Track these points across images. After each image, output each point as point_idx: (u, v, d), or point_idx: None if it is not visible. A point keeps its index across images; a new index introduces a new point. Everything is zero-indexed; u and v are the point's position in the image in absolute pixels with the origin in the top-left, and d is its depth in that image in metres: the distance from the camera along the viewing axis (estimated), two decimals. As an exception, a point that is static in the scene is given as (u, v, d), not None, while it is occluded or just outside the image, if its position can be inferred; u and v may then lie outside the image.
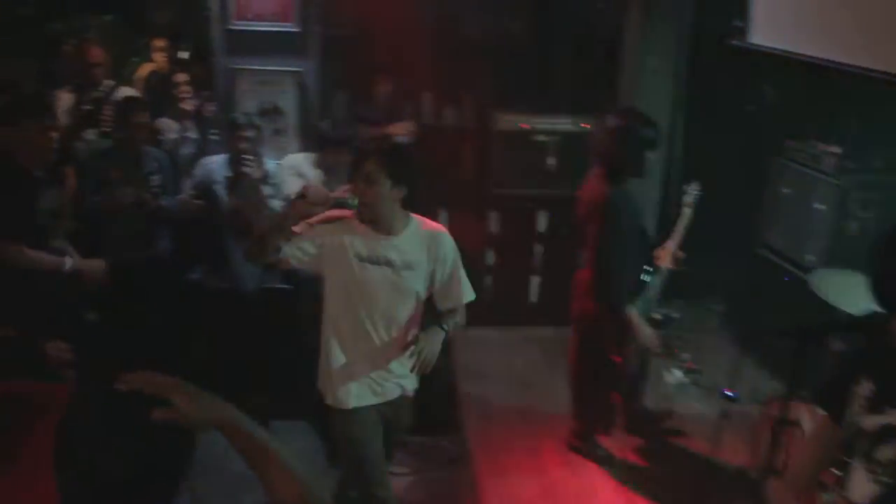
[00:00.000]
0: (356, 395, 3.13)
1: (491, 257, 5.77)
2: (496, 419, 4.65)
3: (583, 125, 5.50)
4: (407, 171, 3.02)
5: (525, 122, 5.69)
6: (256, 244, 3.06)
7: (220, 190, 4.84)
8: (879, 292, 1.90)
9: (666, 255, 4.03)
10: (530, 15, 6.32)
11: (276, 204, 4.76)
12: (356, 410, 3.13)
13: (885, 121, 4.62)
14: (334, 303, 3.11)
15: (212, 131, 5.32)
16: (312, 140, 5.15)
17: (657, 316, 5.41)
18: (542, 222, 5.70)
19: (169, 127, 5.39)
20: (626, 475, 4.17)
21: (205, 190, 4.86)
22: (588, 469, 4.22)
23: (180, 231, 4.87)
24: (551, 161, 5.62)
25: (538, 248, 5.75)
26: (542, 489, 4.05)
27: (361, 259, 3.01)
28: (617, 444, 4.40)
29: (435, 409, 4.66)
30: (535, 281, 5.77)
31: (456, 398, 4.82)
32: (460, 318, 3.25)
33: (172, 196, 4.83)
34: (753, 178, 5.43)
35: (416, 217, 3.14)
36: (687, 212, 4.15)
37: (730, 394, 4.81)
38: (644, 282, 3.94)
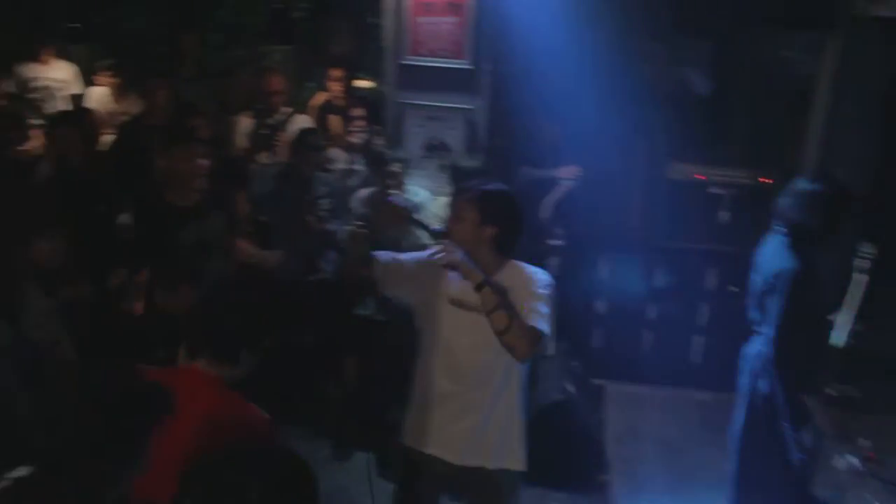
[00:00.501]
0: (425, 440, 2.99)
1: (653, 311, 5.48)
2: (643, 485, 4.36)
3: (761, 179, 5.15)
4: (501, 211, 2.88)
5: (700, 173, 5.41)
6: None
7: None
8: None
9: (838, 330, 3.64)
10: (711, 61, 6.04)
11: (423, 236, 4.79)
12: (420, 456, 3.01)
13: None
14: (423, 340, 3.02)
15: (377, 166, 5.38)
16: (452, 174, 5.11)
17: (833, 392, 4.99)
18: (710, 279, 5.36)
19: (338, 158, 5.52)
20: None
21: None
22: (742, 555, 3.86)
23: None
24: (724, 215, 5.30)
25: (704, 306, 5.41)
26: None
27: (452, 301, 2.89)
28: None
29: (579, 465, 4.47)
30: (699, 340, 5.42)
31: (603, 457, 4.57)
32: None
33: (340, 221, 4.94)
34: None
35: (515, 262, 2.96)
36: (860, 278, 3.71)
37: (913, 490, 4.31)
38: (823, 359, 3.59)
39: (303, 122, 5.56)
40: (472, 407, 2.92)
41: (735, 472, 3.88)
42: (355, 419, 4.64)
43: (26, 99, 6.02)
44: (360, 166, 5.40)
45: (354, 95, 6.03)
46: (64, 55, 6.47)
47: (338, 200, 5.17)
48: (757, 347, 3.62)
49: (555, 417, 4.38)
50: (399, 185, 4.91)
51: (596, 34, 5.61)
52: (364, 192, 5.05)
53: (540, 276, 2.95)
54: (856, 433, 4.76)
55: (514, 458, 3.01)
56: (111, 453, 1.82)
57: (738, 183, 5.30)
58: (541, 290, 2.90)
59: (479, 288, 2.71)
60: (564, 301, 5.21)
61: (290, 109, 5.61)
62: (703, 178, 5.44)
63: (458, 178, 4.88)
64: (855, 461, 4.58)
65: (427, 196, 5.10)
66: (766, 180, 5.16)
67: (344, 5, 6.54)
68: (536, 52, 5.28)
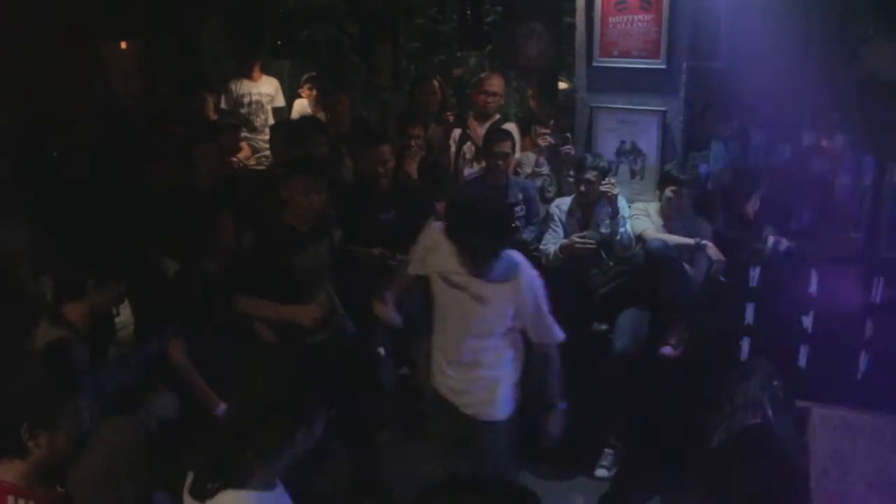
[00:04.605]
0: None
1: (869, 329, 4.94)
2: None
3: None
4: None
5: (930, 174, 4.82)
6: None
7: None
8: None
9: None
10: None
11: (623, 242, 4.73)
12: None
13: None
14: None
15: (569, 172, 5.25)
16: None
17: None
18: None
19: (527, 161, 5.45)
20: None
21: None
22: None
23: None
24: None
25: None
26: None
27: (442, 277, 3.43)
28: None
29: (778, 497, 4.11)
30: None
31: (806, 489, 4.16)
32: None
33: (533, 227, 4.90)
34: None
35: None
36: None
37: None
38: None
39: (512, 128, 5.56)
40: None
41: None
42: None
43: (239, 114, 6.43)
44: (545, 170, 5.30)
45: (547, 101, 5.93)
46: (269, 70, 6.85)
47: (532, 206, 5.13)
48: None
49: (751, 443, 4.05)
50: (594, 195, 4.78)
51: (809, 24, 5.16)
52: (563, 200, 4.95)
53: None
54: None
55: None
56: None
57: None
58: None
59: None
60: (769, 315, 4.86)
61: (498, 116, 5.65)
62: (934, 179, 4.85)
63: (666, 183, 4.73)
64: None
65: (623, 203, 4.90)
66: None
67: (540, 7, 6.41)
68: (738, 47, 4.93)
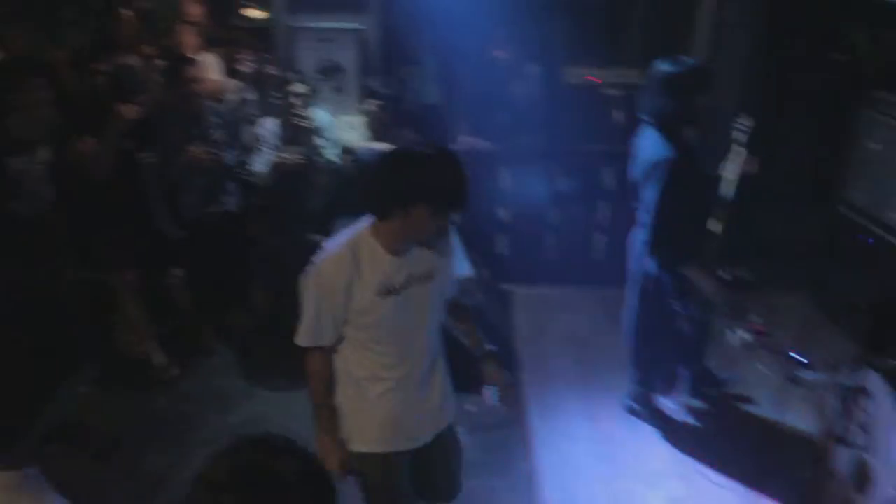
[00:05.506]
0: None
1: (555, 215, 5.61)
2: (553, 380, 4.54)
3: (587, 77, 5.50)
4: None
5: (593, 76, 5.51)
6: None
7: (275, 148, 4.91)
8: None
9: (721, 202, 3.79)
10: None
11: (332, 154, 4.87)
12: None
13: None
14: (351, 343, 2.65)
15: (273, 93, 5.31)
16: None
17: (726, 276, 5.23)
18: (609, 178, 5.50)
19: (229, 88, 5.42)
20: (684, 439, 4.01)
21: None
22: (645, 433, 4.08)
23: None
24: (619, 115, 5.43)
25: (603, 206, 5.58)
26: (597, 451, 3.93)
27: (379, 293, 2.44)
28: (676, 406, 4.25)
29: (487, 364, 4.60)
30: (600, 239, 5.59)
31: (513, 358, 4.72)
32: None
33: (233, 151, 4.90)
34: (836, 131, 5.12)
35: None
36: (739, 150, 3.75)
37: (799, 358, 4.60)
38: (707, 236, 3.75)
39: (209, 58, 5.43)
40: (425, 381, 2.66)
41: (633, 351, 4.08)
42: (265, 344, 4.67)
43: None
44: (251, 95, 5.33)
45: (239, 25, 5.88)
46: None
47: (231, 131, 5.10)
48: (640, 234, 3.76)
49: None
50: (305, 106, 4.91)
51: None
52: (269, 120, 5.01)
53: None
54: (747, 311, 5.06)
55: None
56: None
57: (631, 84, 5.40)
58: None
59: None
60: (469, 212, 5.33)
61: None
62: (598, 80, 5.54)
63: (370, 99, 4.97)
64: (747, 336, 4.87)
65: (328, 118, 5.10)
66: (594, 79, 5.46)
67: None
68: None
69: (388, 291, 2.42)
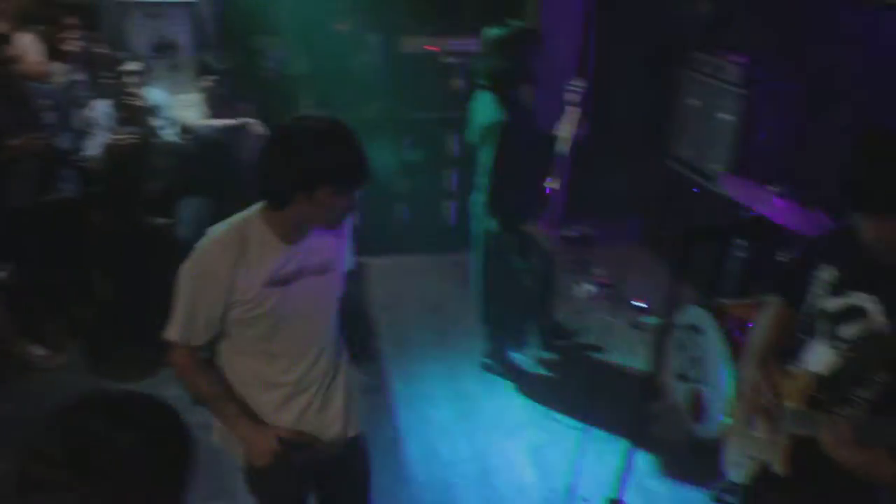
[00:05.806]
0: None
1: (404, 184, 5.68)
2: (412, 346, 4.63)
3: (427, 47, 5.56)
4: None
5: (431, 45, 5.58)
6: None
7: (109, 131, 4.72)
8: (855, 193, 1.88)
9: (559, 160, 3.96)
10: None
11: (169, 134, 4.75)
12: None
13: (788, 28, 4.57)
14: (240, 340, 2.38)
15: (104, 73, 5.08)
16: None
17: (570, 233, 5.47)
18: (453, 145, 5.61)
19: (58, 70, 5.15)
20: (539, 390, 4.20)
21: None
22: (502, 387, 4.24)
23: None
24: (459, 83, 5.53)
25: (450, 172, 5.69)
26: (458, 411, 4.06)
27: (269, 283, 2.21)
28: (529, 359, 4.44)
29: (352, 340, 4.63)
30: (449, 205, 5.71)
31: (371, 328, 4.78)
32: None
33: (68, 135, 4.68)
34: (663, 89, 5.41)
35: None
36: (573, 111, 3.89)
37: (640, 304, 4.89)
38: (547, 194, 3.91)
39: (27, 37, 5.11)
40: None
41: (483, 310, 4.22)
42: (111, 335, 4.51)
43: None
44: (81, 76, 5.09)
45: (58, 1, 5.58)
46: None
47: (62, 114, 4.86)
48: (480, 196, 3.88)
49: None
50: (139, 85, 4.73)
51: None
52: (101, 102, 4.80)
53: None
54: (591, 264, 5.32)
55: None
56: None
57: (467, 52, 5.51)
58: None
59: None
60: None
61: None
62: (437, 49, 5.61)
63: (205, 73, 4.83)
64: (592, 288, 5.13)
65: (164, 96, 4.93)
66: (433, 48, 5.55)
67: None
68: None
69: (277, 282, 2.18)
